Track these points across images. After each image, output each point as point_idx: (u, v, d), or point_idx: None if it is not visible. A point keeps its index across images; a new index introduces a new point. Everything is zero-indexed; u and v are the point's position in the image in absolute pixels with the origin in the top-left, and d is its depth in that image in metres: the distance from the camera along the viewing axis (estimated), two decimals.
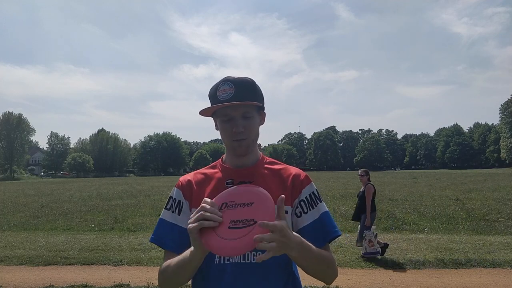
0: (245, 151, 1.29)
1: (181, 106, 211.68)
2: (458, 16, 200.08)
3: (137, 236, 9.01)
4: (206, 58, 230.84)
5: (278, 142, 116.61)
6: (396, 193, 18.16)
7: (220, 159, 1.42)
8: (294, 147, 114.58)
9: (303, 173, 1.35)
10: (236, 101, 1.22)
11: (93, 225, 10.94)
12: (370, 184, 7.03)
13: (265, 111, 1.38)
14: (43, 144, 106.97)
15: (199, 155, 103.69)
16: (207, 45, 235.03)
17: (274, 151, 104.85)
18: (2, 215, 13.56)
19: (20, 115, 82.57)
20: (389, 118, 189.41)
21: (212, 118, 1.37)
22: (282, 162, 1.43)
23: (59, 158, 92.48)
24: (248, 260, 1.20)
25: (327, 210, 1.32)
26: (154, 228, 1.36)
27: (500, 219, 10.39)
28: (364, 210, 6.82)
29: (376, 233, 6.63)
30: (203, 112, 1.30)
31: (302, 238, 1.10)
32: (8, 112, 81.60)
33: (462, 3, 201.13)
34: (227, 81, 1.26)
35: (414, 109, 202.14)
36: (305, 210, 1.28)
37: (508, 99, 78.18)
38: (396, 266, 6.05)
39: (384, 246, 6.66)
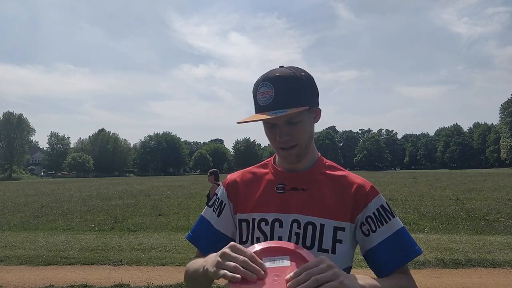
0: (295, 160, 1.12)
1: (181, 106, 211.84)
2: (458, 16, 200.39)
3: (137, 236, 9.01)
4: (206, 58, 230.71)
5: None
6: (396, 193, 18.16)
7: (273, 158, 1.25)
8: None
9: (368, 183, 1.15)
10: (276, 107, 1.02)
11: (93, 225, 10.94)
12: (216, 184, 7.27)
13: (319, 106, 1.16)
14: (43, 144, 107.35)
15: (199, 155, 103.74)
16: (207, 45, 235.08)
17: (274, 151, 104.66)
18: (2, 215, 13.57)
19: (20, 115, 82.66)
20: (389, 118, 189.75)
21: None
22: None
23: (59, 158, 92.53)
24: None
25: (403, 226, 1.12)
26: (194, 225, 1.27)
27: (500, 219, 10.38)
28: None
29: None
30: (242, 121, 1.12)
31: (367, 278, 0.95)
32: (8, 112, 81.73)
33: (462, 3, 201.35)
34: (266, 81, 1.06)
35: (414, 109, 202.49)
36: (374, 228, 1.08)
37: (508, 99, 78.22)
38: None
39: None
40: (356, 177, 1.16)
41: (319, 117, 1.17)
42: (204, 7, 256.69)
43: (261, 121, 1.10)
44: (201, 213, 1.26)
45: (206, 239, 1.20)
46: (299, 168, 1.16)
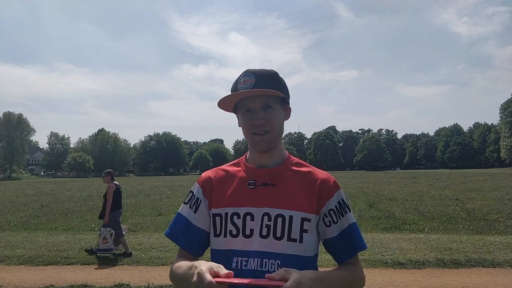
0: (266, 147, 1.21)
1: (181, 106, 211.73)
2: (458, 16, 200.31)
3: (137, 236, 9.01)
4: (206, 57, 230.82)
5: None
6: (396, 193, 18.16)
7: (244, 156, 1.34)
8: (294, 147, 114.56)
9: (332, 178, 1.25)
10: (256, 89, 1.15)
11: (93, 225, 10.94)
12: (112, 183, 7.30)
13: (290, 105, 1.29)
14: (43, 144, 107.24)
15: (199, 155, 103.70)
16: (206, 45, 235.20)
17: None
18: (2, 215, 13.57)
19: (20, 115, 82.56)
20: (389, 118, 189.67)
21: (235, 116, 1.29)
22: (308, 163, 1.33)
23: (59, 158, 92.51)
24: (266, 268, 1.14)
25: (355, 220, 1.25)
26: (171, 222, 1.34)
27: (500, 219, 10.38)
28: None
29: (113, 232, 6.96)
30: (223, 106, 1.23)
31: (318, 273, 1.06)
32: (8, 112, 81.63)
33: (462, 3, 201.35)
34: (248, 72, 1.20)
35: (414, 109, 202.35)
36: (335, 220, 1.20)
37: (508, 99, 78.29)
38: (396, 265, 6.05)
39: (126, 254, 6.94)
40: (321, 173, 1.27)
41: (289, 115, 1.30)
42: (204, 7, 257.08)
43: (238, 114, 1.24)
44: (178, 210, 1.33)
45: (184, 235, 1.28)
46: (269, 164, 1.26)
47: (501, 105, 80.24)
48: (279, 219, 1.16)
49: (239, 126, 1.26)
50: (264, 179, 1.23)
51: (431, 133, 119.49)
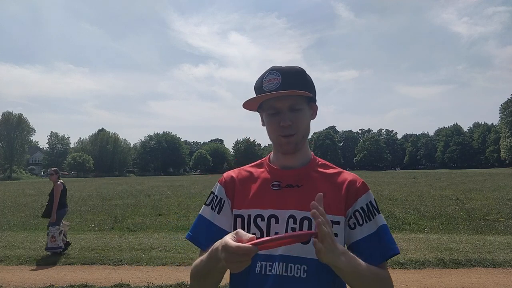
0: (293, 149, 1.16)
1: (181, 106, 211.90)
2: (458, 16, 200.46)
3: (137, 236, 9.01)
4: (206, 57, 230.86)
5: None
6: (396, 193, 18.16)
7: (267, 157, 1.28)
8: None
9: (359, 180, 1.19)
10: (283, 91, 1.08)
11: (93, 225, 10.94)
12: (60, 182, 7.45)
13: (317, 103, 1.22)
14: (43, 144, 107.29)
15: (199, 155, 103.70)
16: (206, 45, 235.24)
17: None
18: (2, 215, 13.57)
19: (20, 115, 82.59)
20: (389, 118, 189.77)
21: (258, 114, 1.22)
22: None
23: (59, 158, 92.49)
24: (291, 273, 1.08)
25: (386, 223, 1.15)
26: (192, 224, 1.26)
27: (500, 219, 10.38)
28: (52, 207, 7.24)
29: (62, 230, 7.15)
30: (247, 105, 1.16)
31: (348, 251, 0.99)
32: (8, 112, 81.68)
33: (462, 3, 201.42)
34: (273, 70, 1.13)
35: (414, 109, 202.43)
36: (361, 222, 1.12)
37: (508, 99, 78.28)
38: (396, 265, 6.05)
39: (67, 244, 7.23)
40: (349, 174, 1.20)
41: (316, 114, 1.23)
42: (204, 7, 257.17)
43: (263, 113, 1.18)
44: (199, 212, 1.26)
45: (206, 237, 1.19)
46: (294, 165, 1.20)
47: (501, 105, 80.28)
48: (305, 222, 1.10)
49: (263, 125, 1.20)
50: (289, 180, 1.17)
51: (431, 133, 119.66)
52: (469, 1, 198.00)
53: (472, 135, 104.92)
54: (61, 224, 7.29)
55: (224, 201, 1.22)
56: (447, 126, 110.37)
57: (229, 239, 0.90)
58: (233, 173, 1.28)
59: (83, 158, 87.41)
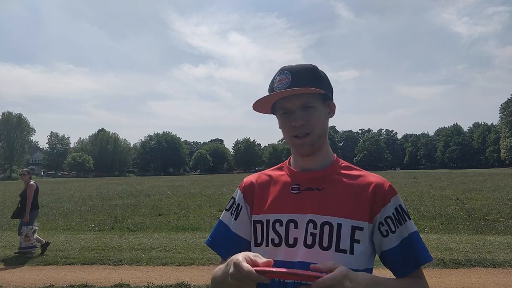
0: (309, 150, 1.09)
1: (181, 106, 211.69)
2: (458, 16, 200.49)
3: (137, 236, 9.01)
4: (206, 57, 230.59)
5: (278, 142, 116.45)
6: None
7: (288, 161, 1.23)
8: None
9: (386, 183, 1.11)
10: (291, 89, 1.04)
11: (93, 225, 10.94)
12: (32, 183, 7.51)
13: (334, 101, 1.16)
14: (43, 144, 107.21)
15: (199, 155, 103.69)
16: (206, 45, 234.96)
17: (274, 151, 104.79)
18: (2, 215, 13.58)
19: (20, 115, 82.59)
20: (389, 118, 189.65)
21: (257, 113, 1.18)
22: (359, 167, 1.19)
23: (59, 158, 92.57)
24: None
25: (416, 229, 1.10)
26: (212, 230, 1.25)
27: (500, 219, 10.38)
28: (25, 207, 7.31)
29: (36, 229, 7.26)
30: (258, 107, 1.11)
31: (373, 276, 0.98)
32: (8, 112, 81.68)
33: (462, 3, 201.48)
34: (283, 70, 1.09)
35: (414, 109, 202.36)
36: (393, 229, 1.06)
37: (508, 99, 78.28)
38: None
39: (45, 244, 7.28)
40: (374, 177, 1.12)
41: (333, 113, 1.17)
42: (203, 7, 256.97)
43: (276, 115, 1.14)
44: (220, 218, 1.25)
45: (225, 243, 1.19)
46: (314, 167, 1.14)
47: (501, 105, 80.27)
48: (326, 227, 1.05)
49: (280, 128, 1.14)
50: (309, 183, 1.11)
51: (431, 133, 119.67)
52: (469, 1, 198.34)
53: (472, 135, 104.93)
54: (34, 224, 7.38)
55: (241, 206, 1.20)
56: (447, 126, 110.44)
57: (243, 258, 0.90)
58: (253, 178, 1.25)
59: (83, 158, 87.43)
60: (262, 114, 1.18)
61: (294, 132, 1.08)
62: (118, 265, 6.42)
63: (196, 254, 6.89)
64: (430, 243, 7.50)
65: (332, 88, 1.16)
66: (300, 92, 1.04)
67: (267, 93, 1.11)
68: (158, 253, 7.13)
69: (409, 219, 1.09)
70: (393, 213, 1.07)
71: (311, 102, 1.07)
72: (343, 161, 1.19)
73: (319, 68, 1.14)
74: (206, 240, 1.25)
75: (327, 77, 1.14)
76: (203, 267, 6.08)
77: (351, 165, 1.19)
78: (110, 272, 5.97)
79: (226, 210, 1.24)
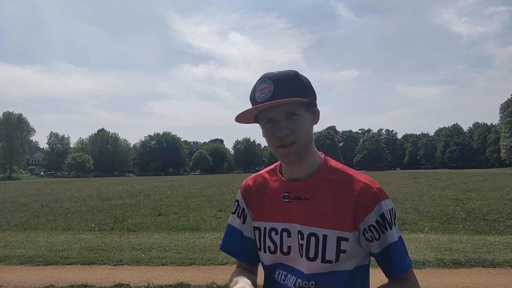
0: (295, 158, 1.07)
1: (181, 106, 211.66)
2: (458, 16, 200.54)
3: (137, 236, 9.01)
4: (206, 57, 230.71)
5: None
6: (396, 193, 18.14)
7: (279, 164, 1.22)
8: None
9: (372, 188, 1.07)
10: (276, 100, 1.01)
11: (93, 225, 10.94)
12: None
13: (318, 107, 1.14)
14: (43, 144, 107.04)
15: (199, 155, 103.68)
16: (206, 45, 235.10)
17: None
18: (2, 215, 13.56)
19: (20, 115, 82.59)
20: (389, 118, 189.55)
21: (258, 125, 1.15)
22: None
23: (59, 158, 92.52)
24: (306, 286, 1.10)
25: (397, 239, 1.09)
26: (224, 235, 1.27)
27: (500, 219, 10.38)
28: None
29: None
30: (241, 119, 1.08)
31: None
32: (8, 112, 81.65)
33: (463, 3, 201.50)
34: (264, 78, 1.05)
35: (414, 109, 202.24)
36: (377, 236, 1.07)
37: (508, 99, 78.21)
38: None
39: None
40: (362, 181, 1.09)
41: (318, 119, 1.15)
42: (203, 7, 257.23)
43: (259, 124, 1.11)
44: (228, 222, 1.28)
45: (240, 247, 1.23)
46: (300, 176, 1.13)
47: (501, 105, 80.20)
48: (312, 239, 1.07)
49: (263, 136, 1.12)
50: (297, 192, 1.12)
51: (431, 133, 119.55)
52: (469, 1, 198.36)
53: (472, 135, 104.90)
54: None
55: (246, 211, 1.24)
56: (447, 126, 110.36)
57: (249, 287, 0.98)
58: (250, 180, 1.26)
59: (83, 158, 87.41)
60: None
61: (280, 142, 1.05)
62: (118, 265, 6.42)
63: (196, 254, 6.89)
64: (430, 243, 7.50)
65: (315, 94, 1.13)
66: (283, 103, 1.01)
67: (251, 101, 1.10)
68: (158, 253, 7.13)
69: (392, 227, 1.08)
70: (376, 221, 1.07)
71: (295, 110, 1.05)
72: (332, 161, 1.17)
73: (301, 73, 1.10)
74: (220, 245, 1.30)
75: (309, 83, 1.11)
76: (203, 267, 6.08)
77: (339, 167, 1.15)
78: (110, 272, 5.97)
79: (233, 213, 1.27)
